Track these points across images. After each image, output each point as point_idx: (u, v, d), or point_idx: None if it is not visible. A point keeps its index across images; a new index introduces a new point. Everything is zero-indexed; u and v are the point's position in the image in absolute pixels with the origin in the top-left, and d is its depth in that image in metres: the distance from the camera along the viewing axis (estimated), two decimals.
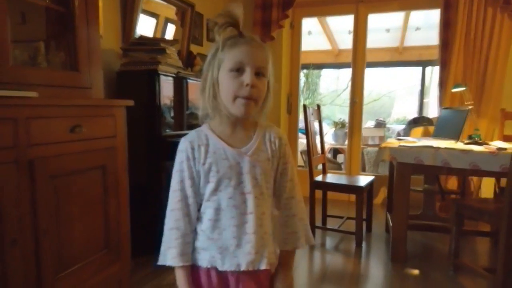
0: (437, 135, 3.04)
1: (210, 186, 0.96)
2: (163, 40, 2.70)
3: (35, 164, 1.46)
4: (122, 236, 1.97)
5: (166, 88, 2.45)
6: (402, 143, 2.57)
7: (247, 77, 0.90)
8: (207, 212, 0.97)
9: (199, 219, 1.00)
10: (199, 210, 0.99)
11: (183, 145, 0.98)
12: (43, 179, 1.50)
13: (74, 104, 1.67)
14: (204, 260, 0.98)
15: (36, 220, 1.47)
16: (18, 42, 1.65)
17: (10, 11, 1.48)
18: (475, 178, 3.29)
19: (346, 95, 7.52)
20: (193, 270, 0.99)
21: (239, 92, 0.90)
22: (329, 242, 2.95)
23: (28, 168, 1.43)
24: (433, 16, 4.45)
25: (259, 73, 0.92)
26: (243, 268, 0.96)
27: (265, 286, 1.01)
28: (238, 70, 0.91)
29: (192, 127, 2.73)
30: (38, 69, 1.71)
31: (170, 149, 2.35)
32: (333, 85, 8.69)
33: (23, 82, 1.53)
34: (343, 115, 7.03)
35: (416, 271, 2.39)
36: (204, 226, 0.98)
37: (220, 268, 0.97)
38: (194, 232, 1.00)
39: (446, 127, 2.98)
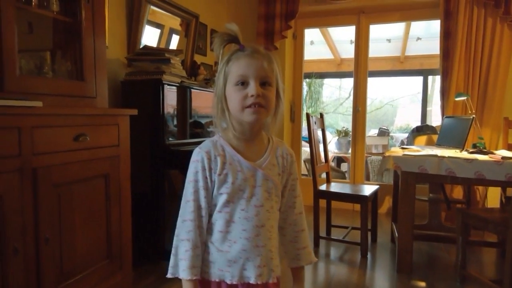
0: (440, 143, 3.02)
1: (223, 198, 0.95)
2: (168, 50, 2.72)
3: (38, 172, 1.46)
4: (124, 245, 1.97)
5: (170, 97, 2.46)
6: (406, 152, 2.56)
7: (252, 88, 0.91)
8: (218, 223, 0.96)
9: (208, 230, 0.98)
10: (209, 221, 0.98)
11: (199, 155, 0.96)
12: (47, 188, 1.50)
13: (78, 113, 1.68)
14: (213, 274, 0.96)
15: (39, 228, 1.47)
16: (25, 52, 1.67)
17: (17, 20, 1.50)
18: (480, 187, 3.27)
19: (348, 104, 7.54)
20: (203, 282, 0.98)
21: (245, 103, 0.92)
22: (334, 252, 2.92)
23: (32, 177, 1.44)
24: (434, 26, 4.47)
25: (265, 83, 0.93)
26: (252, 281, 0.95)
27: None
28: (243, 83, 0.92)
29: (195, 135, 2.73)
30: (44, 79, 1.73)
31: (173, 158, 2.38)
32: (335, 93, 8.71)
33: (29, 91, 1.54)
34: (346, 123, 7.03)
35: (422, 283, 2.35)
36: (213, 238, 0.97)
37: (229, 282, 0.95)
38: (204, 244, 0.98)
39: (450, 135, 2.97)
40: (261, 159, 0.99)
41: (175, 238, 0.97)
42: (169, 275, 0.96)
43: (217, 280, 0.96)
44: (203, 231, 0.96)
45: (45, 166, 1.50)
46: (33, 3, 1.64)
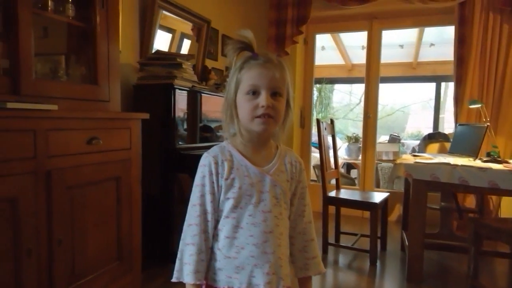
0: (453, 151, 2.98)
1: (230, 203, 0.95)
2: (179, 55, 2.74)
3: (52, 175, 1.49)
4: (134, 247, 1.99)
5: (181, 102, 2.48)
6: (418, 159, 2.54)
7: (262, 99, 0.91)
8: (225, 229, 0.96)
9: (215, 237, 0.98)
10: (215, 227, 0.98)
11: (206, 160, 0.97)
12: (60, 190, 1.52)
13: (92, 117, 1.71)
14: (221, 281, 0.96)
15: (52, 230, 1.49)
16: (40, 56, 1.70)
17: (34, 25, 1.53)
18: (494, 197, 3.21)
19: (358, 110, 7.50)
20: None
21: (255, 113, 0.92)
22: (343, 259, 2.90)
23: (45, 179, 1.46)
24: (447, 31, 4.43)
25: (275, 93, 0.93)
26: None
27: None
28: (254, 93, 0.92)
29: (204, 140, 2.74)
30: (58, 82, 1.76)
31: (183, 162, 2.39)
32: (345, 99, 8.68)
33: (44, 94, 1.57)
34: (356, 129, 6.99)
35: None
36: (220, 244, 0.96)
37: None
38: (211, 251, 0.98)
39: (463, 143, 2.92)
40: (269, 165, 0.99)
41: (180, 242, 0.98)
42: (173, 279, 0.96)
43: (225, 287, 0.95)
44: (209, 236, 0.96)
45: (59, 168, 1.52)
46: (49, 8, 1.67)
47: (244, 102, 0.93)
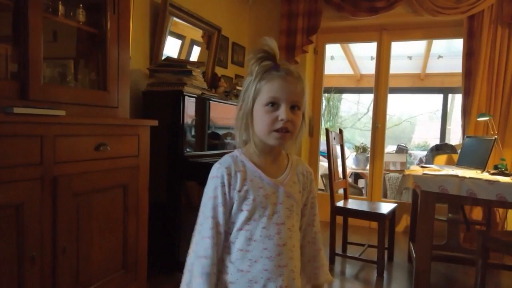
0: (461, 163, 2.96)
1: (244, 215, 0.93)
2: (190, 62, 2.76)
3: (59, 181, 1.48)
4: (140, 256, 1.97)
5: (190, 109, 2.49)
6: (426, 171, 2.52)
7: (282, 113, 0.90)
8: (238, 241, 0.94)
9: (227, 249, 0.95)
10: (227, 239, 0.95)
11: (219, 171, 0.94)
12: (66, 197, 1.51)
13: (100, 123, 1.70)
14: None
15: (57, 237, 1.48)
16: (49, 60, 1.70)
17: (44, 29, 1.53)
18: (501, 209, 3.18)
19: (366, 119, 7.48)
20: None
21: (274, 126, 0.91)
22: (349, 270, 2.87)
23: (52, 185, 1.45)
24: (456, 44, 4.43)
25: (294, 106, 0.92)
26: None
27: None
28: (273, 104, 0.91)
29: (213, 147, 2.75)
30: (67, 88, 1.76)
31: (191, 169, 2.40)
32: (353, 108, 8.66)
33: (52, 99, 1.57)
34: (364, 138, 6.96)
35: None
36: (233, 258, 0.94)
37: None
38: (222, 264, 0.95)
39: (471, 156, 2.90)
40: (282, 175, 0.98)
41: (191, 254, 0.94)
42: None
43: None
44: (220, 248, 0.94)
45: (66, 175, 1.51)
46: (59, 13, 1.67)
47: (262, 114, 0.91)
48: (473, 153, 2.90)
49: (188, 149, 2.50)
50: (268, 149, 0.97)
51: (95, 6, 1.84)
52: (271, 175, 0.96)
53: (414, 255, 2.53)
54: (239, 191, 0.93)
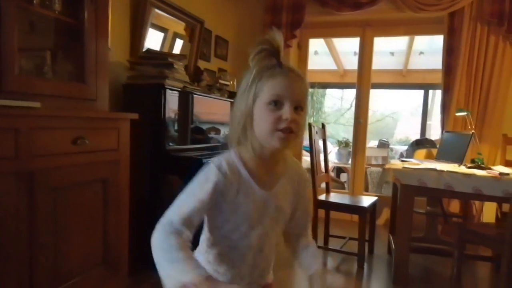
0: (440, 158, 3.03)
1: (231, 225, 0.91)
2: (171, 54, 2.73)
3: (35, 176, 1.44)
4: (121, 251, 1.94)
5: (172, 102, 2.46)
6: (406, 165, 2.56)
7: (286, 111, 0.85)
8: (219, 246, 0.94)
9: (207, 248, 0.95)
10: (208, 238, 0.96)
11: (215, 177, 0.88)
12: (43, 192, 1.48)
13: (78, 116, 1.66)
14: None
15: (34, 233, 1.45)
16: (25, 51, 1.65)
17: (19, 19, 1.48)
18: (477, 202, 3.27)
19: (350, 115, 7.55)
20: None
21: (278, 126, 0.85)
22: (331, 262, 2.91)
23: (28, 180, 1.41)
24: (437, 41, 4.49)
25: (297, 107, 0.87)
26: None
27: None
28: (276, 103, 0.85)
29: (196, 141, 2.73)
30: (43, 80, 1.71)
31: (173, 164, 2.38)
32: (337, 104, 8.74)
33: (27, 91, 1.52)
34: (347, 134, 7.03)
35: None
36: (211, 258, 0.95)
37: None
38: (200, 257, 0.96)
39: (449, 150, 2.97)
40: (276, 186, 0.94)
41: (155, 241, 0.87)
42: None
43: None
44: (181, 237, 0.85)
45: (42, 169, 1.47)
46: (35, 2, 1.62)
47: (264, 113, 0.85)
48: (452, 147, 2.97)
49: (171, 143, 2.48)
50: (266, 154, 0.91)
51: None
52: (265, 185, 0.92)
53: (393, 247, 2.58)
54: (230, 203, 0.90)
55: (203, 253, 0.96)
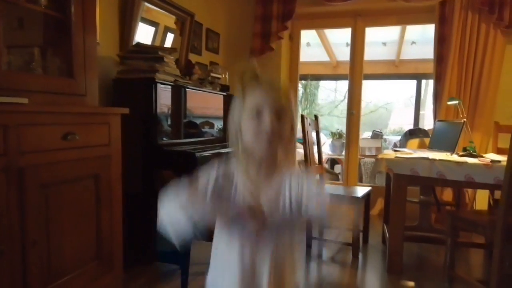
0: (432, 147, 3.05)
1: (223, 222, 0.99)
2: (162, 48, 2.70)
3: (25, 172, 1.43)
4: (115, 246, 1.94)
5: (164, 97, 2.45)
6: (399, 155, 2.57)
7: (266, 121, 0.90)
8: (220, 244, 1.02)
9: (218, 234, 1.02)
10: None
11: (215, 172, 0.97)
12: (34, 188, 1.47)
13: (67, 111, 1.65)
14: None
15: (26, 230, 1.44)
16: (13, 47, 1.64)
17: (7, 15, 1.47)
18: (470, 190, 3.29)
19: (343, 106, 7.55)
20: None
21: (259, 133, 0.91)
22: (326, 253, 2.93)
23: (18, 177, 1.40)
24: (429, 31, 4.50)
25: (280, 116, 0.92)
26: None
27: None
28: (258, 114, 0.91)
29: (189, 135, 2.72)
30: (32, 75, 1.69)
31: (166, 158, 2.37)
32: (331, 96, 8.74)
33: (16, 88, 1.51)
34: (341, 125, 7.04)
35: (411, 283, 2.37)
36: (224, 239, 1.01)
37: None
38: None
39: (442, 139, 2.99)
40: (265, 197, 0.95)
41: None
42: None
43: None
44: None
45: (32, 165, 1.46)
46: None
47: (248, 124, 0.92)
48: (444, 136, 2.99)
49: (164, 138, 2.46)
50: (257, 166, 0.95)
51: None
52: (256, 198, 0.94)
53: (387, 236, 2.60)
54: (222, 205, 0.95)
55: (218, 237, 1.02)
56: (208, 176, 0.95)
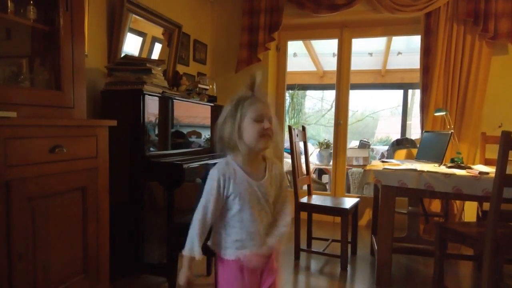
0: (420, 157, 3.07)
1: (236, 208, 1.31)
2: (149, 60, 2.68)
3: (12, 185, 1.41)
4: (101, 259, 1.92)
5: (151, 108, 2.42)
6: (387, 166, 2.59)
7: (266, 124, 1.28)
8: (232, 223, 1.33)
9: (224, 226, 1.34)
10: (225, 217, 1.33)
11: (216, 175, 1.30)
12: (20, 201, 1.45)
13: (55, 124, 1.64)
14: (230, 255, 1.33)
15: (11, 244, 1.42)
16: (1, 59, 1.62)
17: None
18: (458, 201, 3.33)
19: (330, 115, 7.62)
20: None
21: (261, 133, 1.28)
22: (314, 265, 2.92)
23: (4, 190, 1.39)
24: (415, 41, 4.58)
25: (270, 120, 1.30)
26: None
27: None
28: (258, 120, 1.28)
29: (177, 146, 2.70)
30: (19, 88, 1.68)
31: (154, 169, 2.34)
32: (317, 105, 8.79)
33: (3, 101, 1.49)
34: (328, 135, 7.09)
35: None
36: (229, 232, 1.33)
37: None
38: (219, 235, 1.35)
39: (429, 150, 3.02)
40: (264, 178, 1.35)
41: (192, 221, 1.30)
42: (186, 252, 1.27)
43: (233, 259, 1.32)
44: (207, 225, 1.31)
45: (19, 178, 1.44)
46: (8, 10, 1.59)
47: (251, 126, 1.28)
48: (431, 147, 3.01)
49: (152, 149, 2.44)
50: (253, 156, 1.33)
51: (47, 3, 1.76)
52: (254, 177, 1.33)
53: (376, 248, 2.60)
54: (232, 192, 1.30)
55: (223, 230, 1.34)
56: (218, 182, 1.29)
